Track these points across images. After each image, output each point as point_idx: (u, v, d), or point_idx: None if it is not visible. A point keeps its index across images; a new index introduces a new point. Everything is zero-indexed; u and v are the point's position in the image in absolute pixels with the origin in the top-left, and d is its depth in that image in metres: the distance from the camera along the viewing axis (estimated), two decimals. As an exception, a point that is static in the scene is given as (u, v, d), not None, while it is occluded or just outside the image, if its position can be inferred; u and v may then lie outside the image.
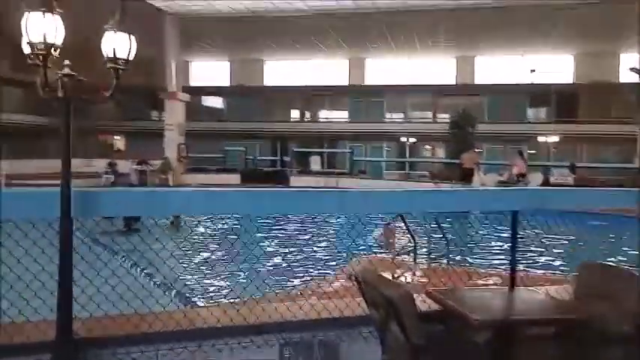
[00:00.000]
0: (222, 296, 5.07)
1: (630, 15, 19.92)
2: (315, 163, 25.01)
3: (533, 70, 30.43)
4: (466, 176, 16.36)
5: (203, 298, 5.01)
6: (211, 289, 5.26)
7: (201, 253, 7.19)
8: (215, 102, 33.08)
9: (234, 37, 27.72)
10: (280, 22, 23.93)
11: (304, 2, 21.47)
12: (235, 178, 20.12)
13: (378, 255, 6.17)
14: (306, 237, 7.79)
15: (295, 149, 26.06)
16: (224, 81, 33.55)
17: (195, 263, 6.58)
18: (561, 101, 29.22)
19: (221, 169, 23.24)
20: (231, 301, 4.56)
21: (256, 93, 31.53)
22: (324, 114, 32.25)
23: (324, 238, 7.80)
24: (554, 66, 30.52)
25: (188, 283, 5.37)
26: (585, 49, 29.01)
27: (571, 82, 30.00)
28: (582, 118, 28.40)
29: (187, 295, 4.86)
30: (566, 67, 30.68)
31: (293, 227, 8.59)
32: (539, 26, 23.65)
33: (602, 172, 22.66)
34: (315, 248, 7.32)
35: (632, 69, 19.14)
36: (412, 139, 28.96)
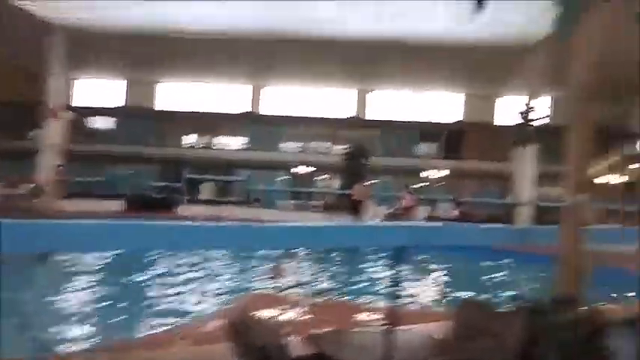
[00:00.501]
0: (83, 342, 4.47)
1: (511, 61, 21.79)
2: (206, 191, 24.23)
3: (426, 107, 32.27)
4: (356, 208, 16.51)
5: (62, 344, 4.38)
6: (72, 334, 4.63)
7: (65, 291, 6.44)
8: (103, 123, 31.24)
9: (129, 55, 26.53)
10: (179, 42, 23.25)
11: (205, 24, 21.08)
12: (118, 205, 18.73)
13: (263, 291, 5.89)
14: (184, 273, 7.32)
15: (188, 176, 25.11)
16: (118, 101, 31.91)
17: (57, 304, 5.87)
18: (450, 138, 31.04)
19: (105, 195, 21.64)
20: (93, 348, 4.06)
21: (148, 115, 30.28)
22: (220, 140, 31.66)
23: (207, 274, 7.37)
24: (446, 103, 32.50)
25: (45, 327, 4.71)
26: (474, 89, 31.18)
27: (459, 120, 31.96)
28: (468, 154, 30.32)
29: (43, 341, 4.23)
30: (456, 105, 32.65)
31: (170, 262, 8.04)
32: (434, 64, 25.05)
33: (484, 207, 24.22)
34: (194, 285, 6.86)
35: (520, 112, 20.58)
36: (308, 169, 29.23)
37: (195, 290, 6.59)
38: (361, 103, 32.17)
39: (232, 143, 31.33)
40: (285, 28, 20.88)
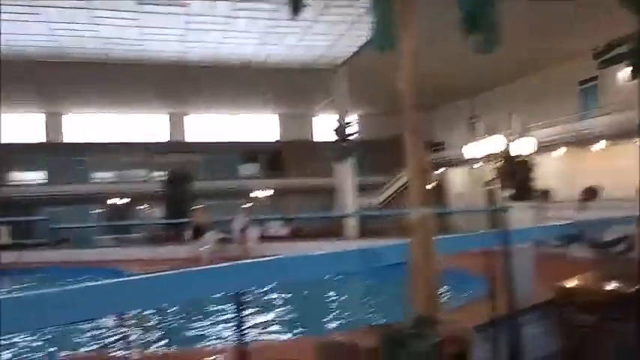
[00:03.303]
0: None
1: (320, 82, 22.55)
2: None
3: (244, 129, 32.18)
4: (199, 233, 15.29)
5: None
6: None
7: None
8: None
9: None
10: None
11: None
12: None
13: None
14: None
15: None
16: None
17: None
18: (270, 158, 31.54)
19: None
20: None
21: None
22: (15, 176, 27.82)
23: None
24: (261, 124, 32.81)
25: None
26: (287, 110, 31.91)
27: (277, 140, 32.52)
28: (288, 172, 30.95)
29: None
30: (272, 126, 33.15)
31: None
32: (247, 87, 24.86)
33: (313, 222, 24.59)
34: None
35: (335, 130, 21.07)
36: (124, 200, 27.08)
37: None
38: (177, 128, 30.89)
39: (31, 178, 27.85)
40: (84, 50, 18.66)
